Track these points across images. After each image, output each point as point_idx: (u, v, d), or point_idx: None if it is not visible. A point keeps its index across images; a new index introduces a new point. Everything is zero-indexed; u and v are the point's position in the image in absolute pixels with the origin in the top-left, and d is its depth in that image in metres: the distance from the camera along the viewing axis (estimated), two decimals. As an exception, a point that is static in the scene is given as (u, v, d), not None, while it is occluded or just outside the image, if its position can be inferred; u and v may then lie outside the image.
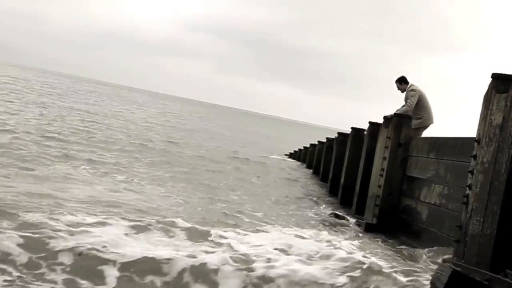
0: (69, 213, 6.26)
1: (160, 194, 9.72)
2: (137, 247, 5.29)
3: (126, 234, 5.74)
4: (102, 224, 5.95)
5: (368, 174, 10.74)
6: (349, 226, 9.71)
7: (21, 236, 4.99)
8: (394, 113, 10.07)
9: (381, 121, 10.46)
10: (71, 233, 5.35)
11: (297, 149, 26.00)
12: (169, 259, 4.99)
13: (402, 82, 11.08)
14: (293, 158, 25.88)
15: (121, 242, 5.36)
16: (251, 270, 4.98)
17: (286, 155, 28.17)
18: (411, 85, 10.99)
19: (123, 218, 6.36)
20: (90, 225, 5.84)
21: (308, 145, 21.80)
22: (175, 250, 5.38)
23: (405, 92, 10.97)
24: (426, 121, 10.75)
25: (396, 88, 11.22)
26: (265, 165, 19.25)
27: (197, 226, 6.47)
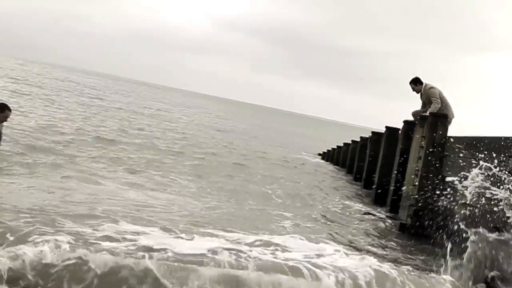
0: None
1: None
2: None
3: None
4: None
5: (402, 174, 10.57)
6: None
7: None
8: (429, 112, 9.88)
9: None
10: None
11: (330, 148, 25.77)
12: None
13: (417, 83, 10.93)
14: (325, 158, 25.69)
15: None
16: None
17: (319, 154, 28.00)
18: (427, 84, 10.82)
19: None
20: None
21: (341, 145, 21.58)
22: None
23: (421, 92, 10.82)
24: (449, 117, 10.56)
25: (411, 90, 11.06)
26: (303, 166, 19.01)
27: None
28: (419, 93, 10.89)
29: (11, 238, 5.07)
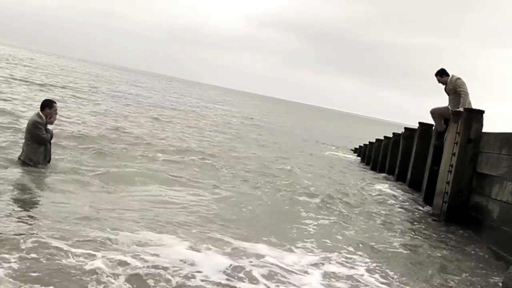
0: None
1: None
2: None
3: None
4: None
5: (436, 170, 10.35)
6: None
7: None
8: (464, 108, 9.63)
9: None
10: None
11: (362, 144, 25.52)
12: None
13: (443, 74, 10.83)
14: (358, 154, 25.50)
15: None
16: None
17: (352, 150, 27.79)
18: (453, 75, 10.71)
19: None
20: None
21: (373, 140, 21.30)
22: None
23: (447, 84, 10.70)
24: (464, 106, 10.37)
25: (437, 82, 10.95)
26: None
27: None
28: (444, 85, 10.82)
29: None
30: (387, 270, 5.82)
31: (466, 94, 10.39)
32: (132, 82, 65.05)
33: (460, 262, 6.67)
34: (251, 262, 5.29)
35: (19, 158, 8.40)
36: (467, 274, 6.10)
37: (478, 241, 7.87)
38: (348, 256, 6.17)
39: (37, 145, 8.37)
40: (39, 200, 6.63)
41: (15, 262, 4.36)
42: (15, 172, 7.71)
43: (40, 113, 8.44)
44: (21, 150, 8.55)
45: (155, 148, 13.03)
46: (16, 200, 6.33)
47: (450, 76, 10.74)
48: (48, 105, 8.50)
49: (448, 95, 10.78)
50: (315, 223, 7.70)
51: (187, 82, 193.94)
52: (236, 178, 10.74)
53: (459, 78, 10.56)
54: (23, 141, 8.55)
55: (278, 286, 4.82)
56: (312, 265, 5.58)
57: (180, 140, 16.21)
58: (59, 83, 32.18)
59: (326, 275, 5.32)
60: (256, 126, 32.74)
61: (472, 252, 7.30)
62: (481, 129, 9.05)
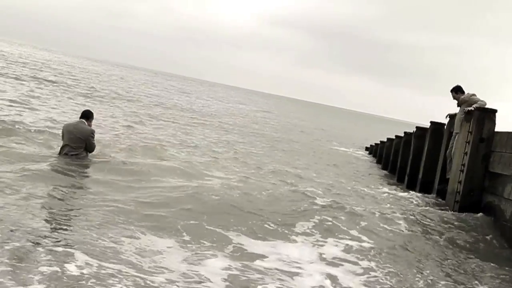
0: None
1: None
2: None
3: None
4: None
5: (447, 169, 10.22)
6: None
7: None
8: (476, 107, 9.49)
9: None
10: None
11: (373, 144, 25.38)
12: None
13: (458, 91, 10.66)
14: (369, 152, 25.41)
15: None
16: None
17: (366, 148, 27.72)
18: (469, 92, 10.54)
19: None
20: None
21: (385, 140, 21.15)
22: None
23: (462, 102, 10.41)
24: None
25: (452, 98, 10.76)
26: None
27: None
28: (458, 101, 10.60)
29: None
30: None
31: (485, 103, 10.10)
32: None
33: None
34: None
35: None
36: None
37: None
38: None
39: (85, 153, 9.04)
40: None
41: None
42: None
43: (85, 122, 9.17)
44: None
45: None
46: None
47: (466, 93, 10.55)
48: (91, 116, 9.39)
49: (461, 108, 10.44)
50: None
51: (199, 82, 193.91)
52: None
53: (474, 95, 10.37)
54: (65, 147, 9.00)
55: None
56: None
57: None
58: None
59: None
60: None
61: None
62: (494, 128, 8.91)
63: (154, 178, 8.77)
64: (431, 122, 12.90)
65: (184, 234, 5.87)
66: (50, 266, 4.25)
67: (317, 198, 8.92)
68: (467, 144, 9.12)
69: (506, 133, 8.34)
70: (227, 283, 4.66)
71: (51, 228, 5.29)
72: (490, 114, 8.96)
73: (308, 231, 6.87)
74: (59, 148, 9.19)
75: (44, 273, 4.12)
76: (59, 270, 4.21)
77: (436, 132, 12.42)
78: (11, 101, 16.29)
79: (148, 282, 4.34)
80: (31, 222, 5.30)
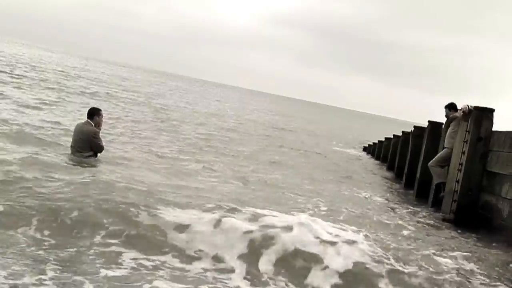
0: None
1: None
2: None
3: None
4: None
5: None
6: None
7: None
8: (474, 106, 9.41)
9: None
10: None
11: (371, 143, 25.35)
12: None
13: (452, 109, 10.50)
14: (368, 152, 25.35)
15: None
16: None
17: (362, 149, 27.63)
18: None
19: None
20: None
21: (382, 139, 21.11)
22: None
23: (453, 116, 10.23)
24: None
25: (445, 114, 10.62)
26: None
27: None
28: (449, 119, 10.45)
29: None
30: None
31: None
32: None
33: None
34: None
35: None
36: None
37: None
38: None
39: (92, 154, 8.73)
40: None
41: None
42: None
43: (90, 122, 8.79)
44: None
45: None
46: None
47: (458, 111, 10.19)
48: (97, 113, 8.88)
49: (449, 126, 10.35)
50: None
51: (200, 82, 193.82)
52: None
53: None
54: (71, 148, 8.85)
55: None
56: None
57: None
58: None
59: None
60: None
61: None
62: (491, 127, 8.84)
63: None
64: (429, 122, 12.84)
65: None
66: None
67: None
68: (464, 143, 9.05)
69: (504, 132, 8.28)
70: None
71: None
72: (487, 114, 8.89)
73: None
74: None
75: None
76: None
77: (434, 131, 12.36)
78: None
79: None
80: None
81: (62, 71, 43.14)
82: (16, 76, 26.84)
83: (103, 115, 9.26)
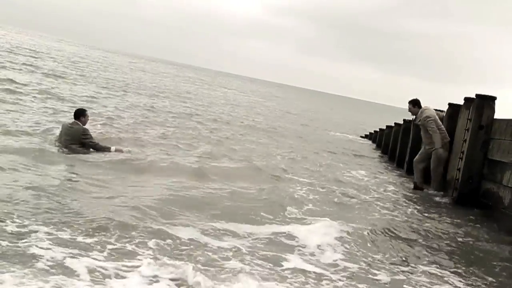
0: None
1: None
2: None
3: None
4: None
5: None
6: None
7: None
8: (476, 94, 9.29)
9: (461, 102, 9.74)
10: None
11: (372, 131, 25.18)
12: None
13: (415, 105, 10.39)
14: (369, 139, 25.20)
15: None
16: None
17: (361, 137, 27.42)
18: (424, 110, 10.24)
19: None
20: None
21: (384, 127, 20.95)
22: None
23: (417, 117, 10.26)
24: (439, 144, 9.95)
25: (408, 109, 10.53)
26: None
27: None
28: (413, 116, 10.43)
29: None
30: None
31: (435, 131, 9.94)
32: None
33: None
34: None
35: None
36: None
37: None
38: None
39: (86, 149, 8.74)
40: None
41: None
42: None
43: (77, 122, 8.87)
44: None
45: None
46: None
47: (421, 110, 10.26)
48: (82, 114, 9.01)
49: (416, 126, 10.28)
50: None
51: (202, 70, 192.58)
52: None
53: (427, 117, 10.05)
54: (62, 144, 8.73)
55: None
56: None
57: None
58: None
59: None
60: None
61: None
62: (493, 115, 8.72)
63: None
64: (430, 110, 12.70)
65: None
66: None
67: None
68: (466, 131, 8.94)
69: (506, 120, 8.16)
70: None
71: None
72: (489, 102, 8.76)
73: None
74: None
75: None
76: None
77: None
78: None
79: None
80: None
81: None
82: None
83: (89, 115, 9.40)
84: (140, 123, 14.07)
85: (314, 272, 4.72)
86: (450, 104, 10.76)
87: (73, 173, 7.07)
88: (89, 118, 9.36)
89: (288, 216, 6.66)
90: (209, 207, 6.37)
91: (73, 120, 9.03)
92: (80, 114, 9.04)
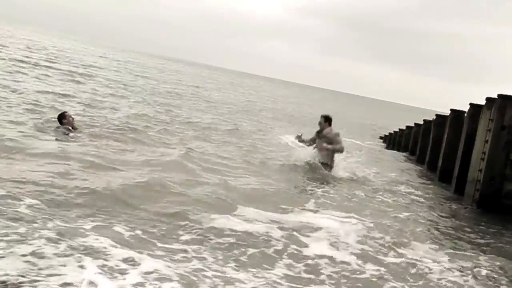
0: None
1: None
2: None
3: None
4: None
5: (468, 157, 9.81)
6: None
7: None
8: (498, 94, 9.05)
9: (483, 102, 9.51)
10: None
11: (391, 132, 24.80)
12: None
13: (327, 121, 10.34)
14: (387, 141, 24.73)
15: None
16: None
17: (380, 138, 27.03)
18: (333, 129, 10.30)
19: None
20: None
21: (403, 128, 20.67)
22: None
23: (322, 133, 10.23)
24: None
25: (318, 123, 10.48)
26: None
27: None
28: (320, 129, 10.37)
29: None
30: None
31: (343, 148, 10.23)
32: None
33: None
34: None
35: None
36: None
37: None
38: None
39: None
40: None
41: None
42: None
43: (60, 125, 9.35)
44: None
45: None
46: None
47: (330, 128, 10.28)
48: (63, 117, 9.41)
49: (319, 138, 10.26)
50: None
51: (222, 70, 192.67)
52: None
53: (337, 134, 10.18)
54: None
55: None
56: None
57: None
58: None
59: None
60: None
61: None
62: (515, 115, 8.47)
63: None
64: (451, 110, 12.47)
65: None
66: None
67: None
68: (488, 131, 8.71)
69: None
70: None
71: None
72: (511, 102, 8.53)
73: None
74: None
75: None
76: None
77: (456, 120, 11.99)
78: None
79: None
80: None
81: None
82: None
83: (70, 114, 9.76)
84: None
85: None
86: (471, 104, 10.52)
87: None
88: (72, 118, 9.60)
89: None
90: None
91: (59, 125, 9.46)
92: (61, 118, 9.40)
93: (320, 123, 10.45)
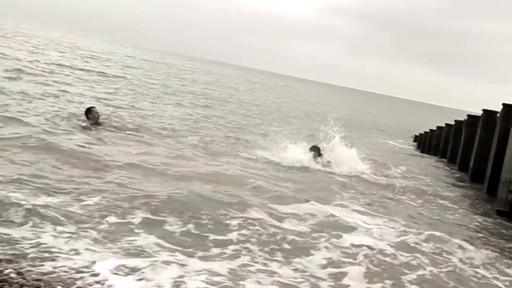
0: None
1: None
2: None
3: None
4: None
5: (500, 158, 9.61)
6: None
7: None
8: (532, 94, 8.84)
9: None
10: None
11: (422, 132, 24.39)
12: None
13: (315, 150, 10.48)
14: (417, 141, 24.34)
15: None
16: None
17: (414, 139, 26.63)
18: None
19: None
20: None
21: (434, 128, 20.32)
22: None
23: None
24: None
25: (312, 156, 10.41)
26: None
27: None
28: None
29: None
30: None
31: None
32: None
33: None
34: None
35: None
36: None
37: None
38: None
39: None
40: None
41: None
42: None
43: (86, 119, 9.97)
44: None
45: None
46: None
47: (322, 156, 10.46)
48: (88, 113, 10.07)
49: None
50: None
51: (255, 71, 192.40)
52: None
53: (329, 162, 10.31)
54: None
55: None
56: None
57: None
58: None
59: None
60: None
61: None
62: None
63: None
64: (484, 110, 12.24)
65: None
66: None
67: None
68: (521, 132, 8.51)
69: None
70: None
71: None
72: (547, 101, 8.32)
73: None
74: None
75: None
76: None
77: (489, 120, 11.76)
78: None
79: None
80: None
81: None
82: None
83: (96, 110, 10.29)
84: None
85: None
86: (504, 105, 10.31)
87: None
88: (97, 113, 10.12)
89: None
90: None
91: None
92: (86, 113, 10.00)
93: (314, 156, 10.47)
